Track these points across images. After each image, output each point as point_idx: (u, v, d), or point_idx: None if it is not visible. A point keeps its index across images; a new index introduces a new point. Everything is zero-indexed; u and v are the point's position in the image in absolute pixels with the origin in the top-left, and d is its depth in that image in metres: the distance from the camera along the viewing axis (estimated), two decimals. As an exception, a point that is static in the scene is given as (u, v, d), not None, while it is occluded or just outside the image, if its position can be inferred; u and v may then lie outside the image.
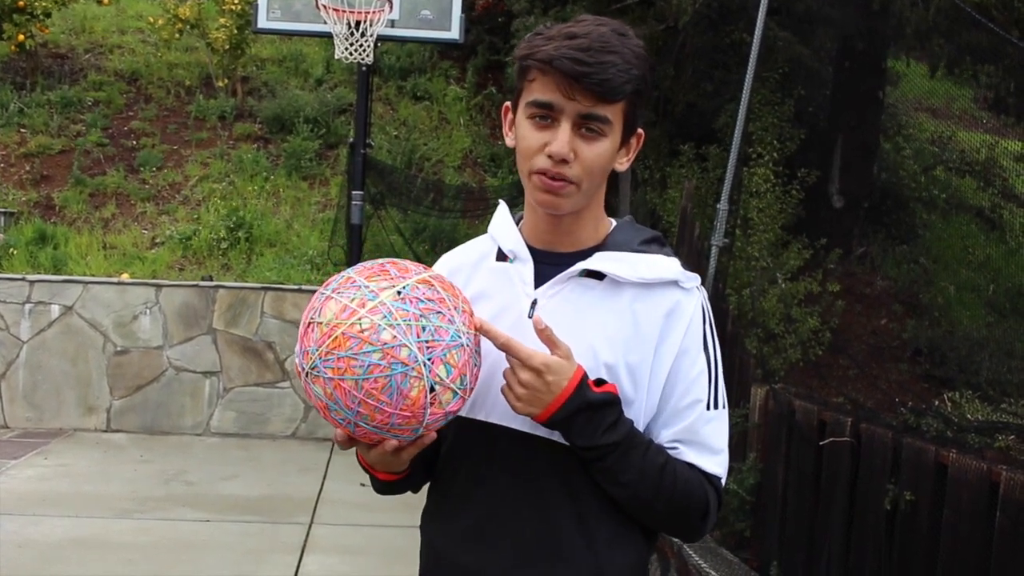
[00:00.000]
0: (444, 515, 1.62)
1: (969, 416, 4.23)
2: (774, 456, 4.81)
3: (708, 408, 1.53)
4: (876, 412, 4.62)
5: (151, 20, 10.78)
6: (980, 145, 11.37)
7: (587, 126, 1.45)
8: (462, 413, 1.52)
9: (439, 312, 1.35)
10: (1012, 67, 8.89)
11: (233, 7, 9.89)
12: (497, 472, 1.54)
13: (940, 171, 10.62)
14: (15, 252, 8.18)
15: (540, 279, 1.55)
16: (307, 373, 1.37)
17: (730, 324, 5.64)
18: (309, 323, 1.38)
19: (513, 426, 1.52)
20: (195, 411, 7.45)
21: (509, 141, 1.58)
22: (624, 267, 1.52)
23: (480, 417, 1.55)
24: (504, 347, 1.42)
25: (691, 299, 1.55)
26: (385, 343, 1.29)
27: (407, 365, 1.30)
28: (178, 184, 9.37)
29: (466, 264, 1.66)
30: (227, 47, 10.11)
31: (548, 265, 1.55)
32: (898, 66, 9.66)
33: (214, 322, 7.48)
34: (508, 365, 1.45)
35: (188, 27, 10.34)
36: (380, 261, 1.44)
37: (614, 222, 1.63)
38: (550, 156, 1.44)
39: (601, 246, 1.57)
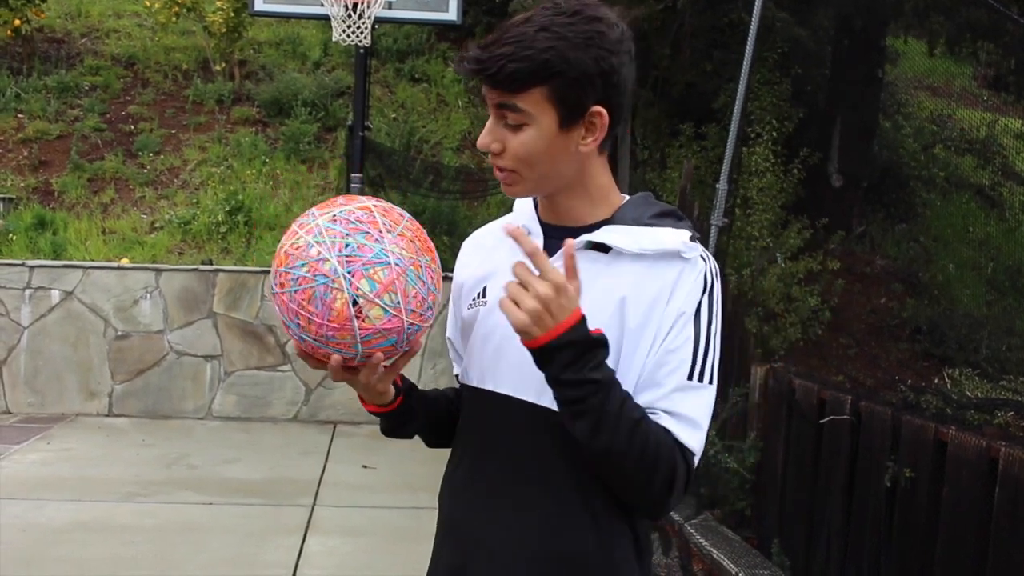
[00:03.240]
0: (455, 484, 1.67)
1: (968, 393, 4.24)
2: (774, 435, 4.83)
3: (690, 378, 1.51)
4: (876, 390, 4.63)
5: (147, 4, 10.73)
6: (980, 123, 11.34)
7: (506, 117, 1.47)
8: (473, 383, 1.62)
9: (366, 232, 1.45)
10: (1012, 44, 8.87)
11: (230, -10, 9.85)
12: (504, 442, 1.57)
13: (940, 149, 10.60)
14: (14, 238, 8.18)
15: (550, 252, 1.54)
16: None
17: (730, 304, 5.65)
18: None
19: (522, 397, 1.55)
20: (196, 395, 7.46)
21: None
22: (626, 239, 1.54)
23: (489, 387, 1.60)
24: (532, 254, 1.40)
25: (694, 269, 1.54)
26: (311, 258, 1.43)
27: (327, 277, 1.42)
28: (176, 168, 9.36)
29: (489, 238, 1.72)
30: (224, 30, 10.07)
31: (555, 239, 1.57)
32: (897, 44, 9.64)
33: (214, 306, 7.48)
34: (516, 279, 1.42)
35: (185, 10, 10.29)
36: (367, 202, 1.52)
37: (627, 198, 1.64)
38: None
39: (610, 220, 1.58)
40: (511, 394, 1.57)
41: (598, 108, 1.49)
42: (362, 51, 7.82)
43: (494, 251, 1.67)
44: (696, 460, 1.53)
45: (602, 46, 1.47)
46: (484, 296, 1.63)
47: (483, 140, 1.50)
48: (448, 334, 1.78)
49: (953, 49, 9.55)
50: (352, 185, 7.93)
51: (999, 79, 10.05)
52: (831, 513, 4.31)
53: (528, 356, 1.43)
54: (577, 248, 1.50)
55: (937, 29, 8.64)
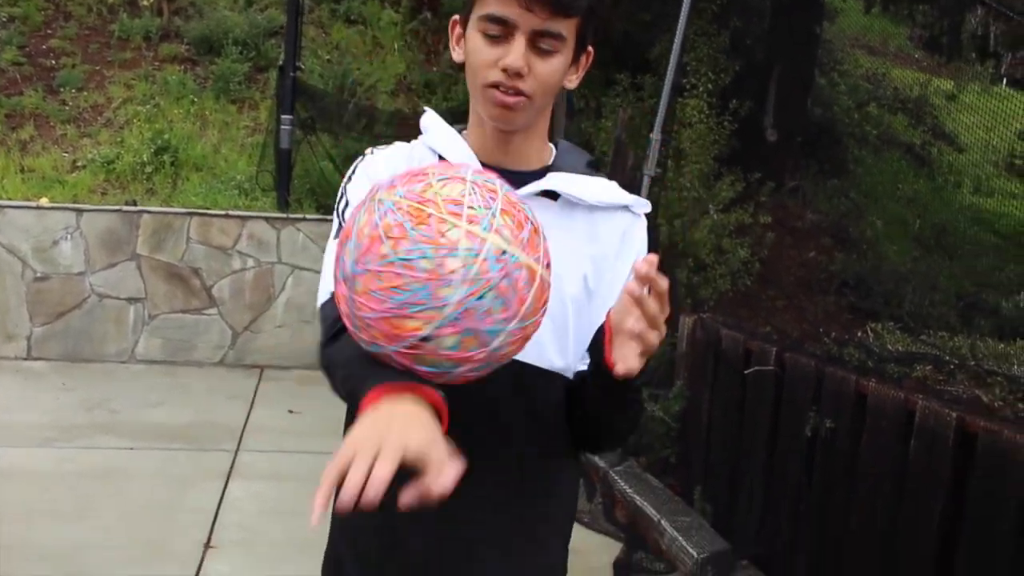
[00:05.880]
0: None
1: (890, 347, 4.31)
2: (700, 384, 4.87)
3: None
4: (801, 342, 4.68)
5: (71, -68, 10.27)
6: (913, 83, 11.51)
7: (541, 43, 1.43)
8: None
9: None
10: (946, 6, 8.95)
11: (157, -80, 9.47)
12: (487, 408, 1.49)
13: (873, 107, 10.73)
14: (-73, 173, 7.85)
15: None
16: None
17: (662, 254, 5.65)
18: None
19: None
20: (119, 338, 7.28)
21: (456, 55, 1.54)
22: (580, 188, 1.53)
23: None
24: (660, 295, 1.30)
25: (640, 224, 1.59)
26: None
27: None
28: (100, 106, 9.03)
29: (405, 164, 1.56)
30: (152, -37, 9.71)
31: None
32: (835, 1, 9.67)
33: (138, 247, 7.27)
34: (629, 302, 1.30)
35: (110, -60, 9.89)
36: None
37: (554, 146, 1.63)
38: (504, 70, 1.42)
39: (552, 167, 1.57)
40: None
41: (590, 48, 1.53)
42: (294, -12, 7.60)
43: None
44: None
45: None
46: None
47: (516, 61, 1.41)
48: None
49: (889, 8, 9.62)
50: (282, 127, 7.75)
51: (933, 40, 10.15)
52: (754, 461, 4.37)
53: None
54: (529, 195, 1.49)
55: (874, -15, 8.68)
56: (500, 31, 1.42)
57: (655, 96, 6.36)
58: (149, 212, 7.36)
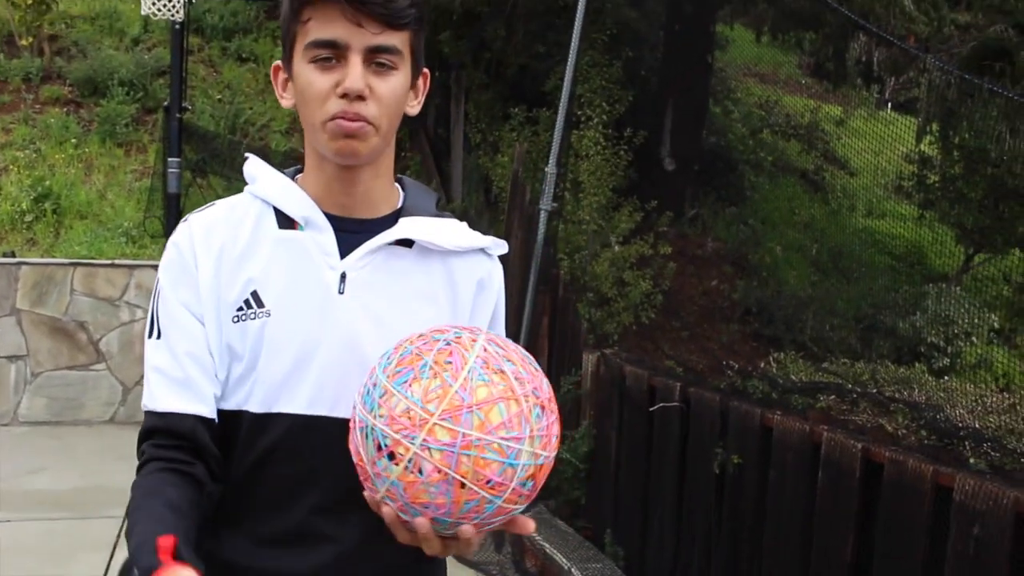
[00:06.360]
0: (265, 533, 1.40)
1: (793, 377, 4.28)
2: (607, 423, 4.77)
3: None
4: (704, 376, 4.63)
5: (-60, -28, 9.83)
6: (804, 109, 11.76)
7: (378, 59, 1.33)
8: (255, 409, 1.38)
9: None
10: (830, 33, 9.17)
11: (33, -41, 9.11)
12: (328, 467, 1.37)
13: (767, 134, 10.91)
14: None
15: (347, 249, 1.40)
16: None
17: (562, 289, 5.57)
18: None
19: (335, 414, 1.37)
20: (0, 399, 6.86)
21: (285, 102, 1.42)
22: (436, 234, 1.43)
23: (292, 410, 1.38)
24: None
25: (497, 268, 1.51)
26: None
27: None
28: (-24, 153, 8.60)
29: (239, 236, 1.40)
30: (30, 2, 9.31)
31: (346, 233, 1.41)
32: (726, 31, 9.82)
33: (18, 302, 6.90)
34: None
35: (-17, -20, 9.48)
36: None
37: (400, 185, 1.51)
38: (345, 95, 1.31)
39: (402, 211, 1.46)
40: (325, 413, 1.37)
41: (426, 69, 1.44)
42: (178, 27, 7.38)
43: (254, 246, 1.40)
44: None
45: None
46: (261, 304, 1.37)
47: (356, 82, 1.30)
48: (188, 348, 1.37)
49: (777, 36, 9.81)
50: (170, 171, 7.48)
51: (820, 67, 10.39)
52: (663, 500, 4.28)
53: (329, 368, 1.35)
54: (382, 245, 1.40)
55: (763, 15, 8.83)
56: (332, 54, 1.32)
57: (550, 129, 6.30)
58: (28, 264, 6.99)
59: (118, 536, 4.85)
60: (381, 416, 1.20)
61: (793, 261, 8.57)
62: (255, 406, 1.37)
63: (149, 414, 1.37)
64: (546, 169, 5.28)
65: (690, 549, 4.09)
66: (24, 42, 9.74)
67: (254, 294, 1.38)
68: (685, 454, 4.15)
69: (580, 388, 4.95)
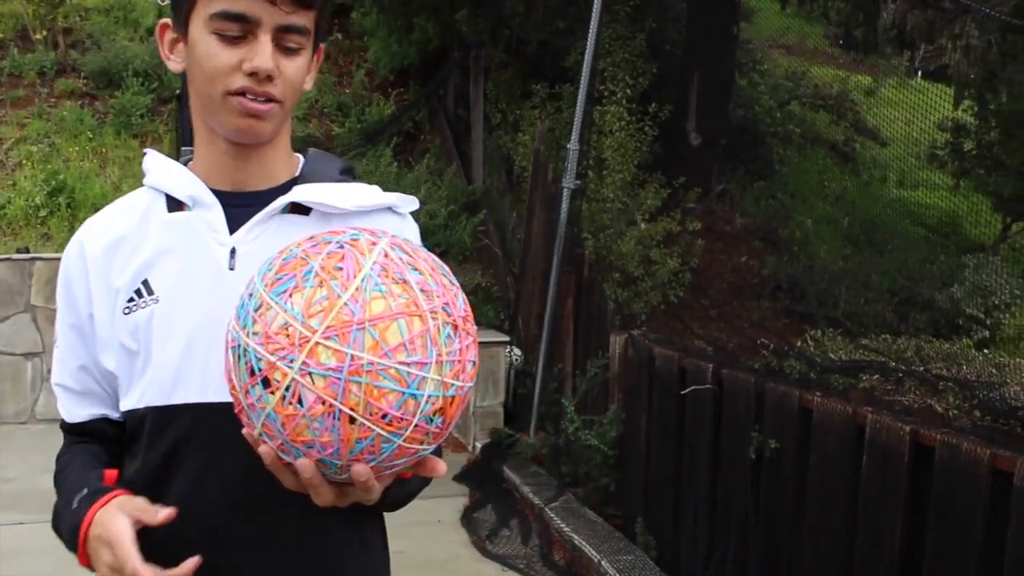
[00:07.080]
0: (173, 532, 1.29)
1: (832, 355, 4.06)
2: (636, 407, 4.57)
3: None
4: (737, 356, 4.42)
5: (-48, -33, 9.75)
6: (833, 80, 11.48)
7: (287, 40, 1.28)
8: (157, 403, 1.33)
9: None
10: (859, 2, 8.89)
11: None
12: (233, 457, 1.27)
13: (796, 105, 10.65)
14: None
15: (231, 224, 1.33)
16: None
17: (587, 270, 5.37)
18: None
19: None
20: (17, 397, 6.76)
21: (174, 65, 1.36)
22: (334, 196, 1.35)
23: (192, 400, 1.32)
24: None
25: (409, 225, 1.43)
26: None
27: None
28: (-10, 148, 8.52)
29: (130, 229, 1.37)
30: (44, -5, 9.23)
31: (238, 208, 1.34)
32: (751, 1, 9.57)
33: (32, 298, 6.79)
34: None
35: (-4, -26, 9.39)
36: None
37: (302, 156, 1.45)
38: (253, 73, 1.26)
39: (300, 178, 1.39)
40: (222, 399, 1.24)
41: (322, 45, 1.40)
42: (188, 13, 7.21)
43: (143, 235, 1.35)
44: None
45: None
46: (151, 292, 1.32)
47: (267, 62, 1.25)
48: (81, 362, 1.40)
49: (804, 4, 9.54)
50: (185, 160, 7.34)
51: (848, 36, 10.11)
52: (697, 488, 4.09)
53: (216, 353, 1.20)
54: (274, 214, 1.33)
55: (788, -17, 8.59)
56: (240, 30, 1.26)
57: (573, 106, 6.10)
58: (43, 259, 6.88)
59: (135, 535, 4.73)
60: (255, 334, 1.00)
61: (824, 235, 8.33)
62: (156, 398, 1.32)
63: (63, 426, 1.47)
64: (568, 146, 5.09)
65: (725, 539, 3.90)
66: (38, 36, 9.65)
67: (145, 283, 1.34)
68: (719, 439, 3.96)
69: (608, 371, 4.76)
